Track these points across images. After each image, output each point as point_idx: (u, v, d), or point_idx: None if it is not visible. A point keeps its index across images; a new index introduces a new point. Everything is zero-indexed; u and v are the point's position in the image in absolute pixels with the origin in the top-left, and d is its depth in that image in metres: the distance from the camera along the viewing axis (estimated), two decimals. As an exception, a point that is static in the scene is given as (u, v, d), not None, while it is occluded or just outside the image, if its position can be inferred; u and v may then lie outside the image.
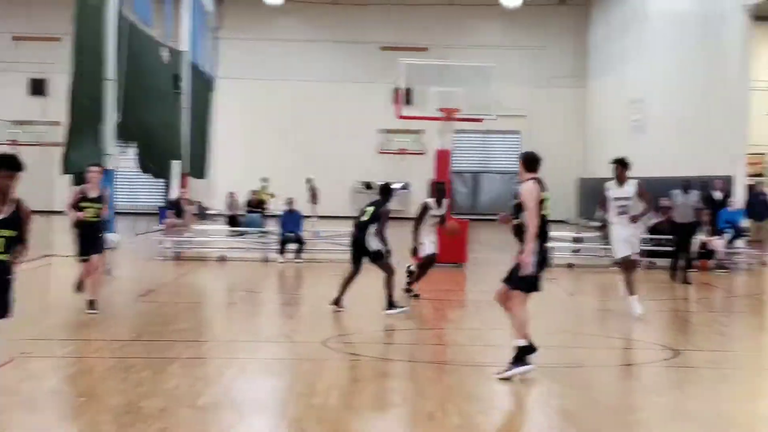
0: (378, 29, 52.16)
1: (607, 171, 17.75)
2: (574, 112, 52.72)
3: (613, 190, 16.73)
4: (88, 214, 15.85)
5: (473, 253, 26.83)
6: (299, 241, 26.59)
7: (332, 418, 9.46)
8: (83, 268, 15.99)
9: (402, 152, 50.49)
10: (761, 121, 35.47)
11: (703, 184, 29.15)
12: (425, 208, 18.54)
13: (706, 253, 26.34)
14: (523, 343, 10.94)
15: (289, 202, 27.46)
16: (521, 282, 11.04)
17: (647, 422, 9.89)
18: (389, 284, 16.49)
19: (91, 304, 15.65)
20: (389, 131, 49.74)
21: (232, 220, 34.49)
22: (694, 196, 22.36)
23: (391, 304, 16.37)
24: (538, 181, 11.21)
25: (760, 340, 16.65)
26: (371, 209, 16.64)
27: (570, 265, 26.26)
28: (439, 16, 51.84)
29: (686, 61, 36.41)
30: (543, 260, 11.19)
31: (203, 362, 12.64)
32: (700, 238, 26.70)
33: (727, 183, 30.11)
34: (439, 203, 18.74)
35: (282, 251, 26.41)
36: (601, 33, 50.26)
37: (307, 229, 28.48)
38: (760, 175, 38.91)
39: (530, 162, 11.40)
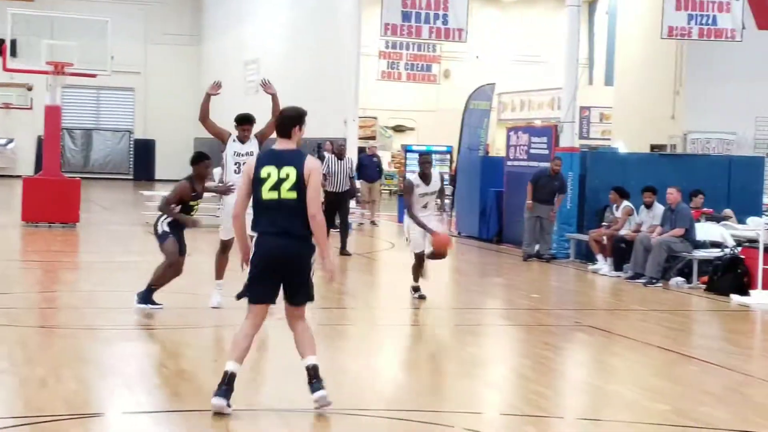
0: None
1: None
2: (189, 70, 52.08)
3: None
4: None
5: (85, 213, 25.29)
6: None
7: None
8: None
9: (7, 107, 47.70)
10: (371, 86, 36.70)
11: (320, 145, 29.85)
12: (409, 187, 14.34)
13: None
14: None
15: None
16: None
17: (265, 377, 10.02)
18: None
19: None
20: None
21: None
22: (348, 163, 22.57)
23: None
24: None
25: (370, 296, 17.16)
26: None
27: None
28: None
29: (301, 24, 37.02)
30: None
31: None
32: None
33: (341, 145, 30.91)
34: (425, 179, 14.33)
35: None
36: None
37: None
38: (372, 138, 40.38)
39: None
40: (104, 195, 31.70)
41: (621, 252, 18.59)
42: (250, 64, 42.84)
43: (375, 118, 43.36)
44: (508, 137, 25.86)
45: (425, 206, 14.12)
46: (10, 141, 49.40)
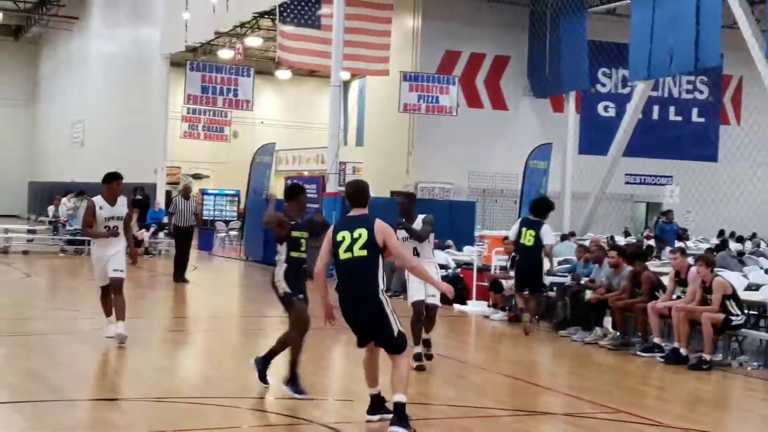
0: None
1: (53, 176, 16.86)
2: (26, 127, 50.28)
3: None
4: None
5: None
6: None
7: None
8: None
9: None
10: (176, 143, 36.16)
11: (137, 189, 29.25)
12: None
13: (136, 242, 26.32)
14: None
15: None
16: None
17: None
18: None
19: None
20: None
21: None
22: (193, 203, 21.24)
23: None
24: None
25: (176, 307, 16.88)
26: None
27: (25, 252, 25.01)
28: None
29: (120, 91, 36.28)
30: None
31: None
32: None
33: (149, 189, 30.45)
34: (409, 222, 10.21)
35: None
36: (49, 64, 48.51)
37: None
38: (176, 183, 39.85)
39: None
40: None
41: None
42: (76, 124, 41.67)
43: (179, 167, 42.78)
44: (286, 185, 26.08)
45: (415, 252, 9.92)
46: None
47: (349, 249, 6.87)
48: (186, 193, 21.79)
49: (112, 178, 10.67)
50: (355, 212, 7.16)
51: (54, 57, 47.75)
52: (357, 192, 7.26)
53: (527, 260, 13.71)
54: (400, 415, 6.90)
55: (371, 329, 7.08)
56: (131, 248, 11.32)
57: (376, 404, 7.35)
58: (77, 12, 42.15)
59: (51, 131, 47.09)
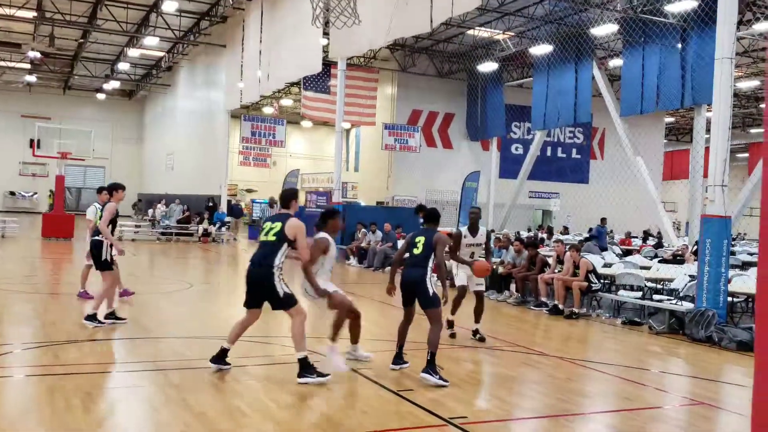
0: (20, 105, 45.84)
1: (153, 189, 16.63)
2: (136, 157, 49.85)
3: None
4: None
5: (76, 231, 22.73)
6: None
7: None
8: None
9: (33, 175, 44.44)
10: (235, 169, 36.05)
11: (209, 198, 29.16)
12: (458, 236, 8.65)
13: (206, 233, 26.27)
14: None
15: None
16: None
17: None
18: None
19: None
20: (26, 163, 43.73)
21: None
22: (276, 210, 20.57)
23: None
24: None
25: (227, 272, 16.71)
26: None
27: (133, 240, 24.78)
28: (59, 98, 46.66)
29: (197, 134, 35.89)
30: None
31: None
32: (202, 226, 26.53)
33: (217, 198, 30.34)
34: (472, 231, 8.65)
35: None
36: (151, 114, 48.06)
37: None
38: (234, 194, 39.82)
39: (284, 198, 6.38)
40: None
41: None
42: (169, 155, 41.40)
43: (236, 185, 42.64)
44: (306, 196, 26.21)
45: (471, 256, 8.50)
46: (35, 193, 46.59)
47: (266, 234, 6.07)
48: (272, 203, 21.31)
49: (332, 213, 6.72)
50: (281, 211, 6.26)
51: (154, 110, 47.36)
52: (282, 197, 6.35)
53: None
54: (304, 367, 5.87)
55: (261, 291, 5.95)
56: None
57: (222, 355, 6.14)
58: (169, 81, 41.91)
59: (152, 160, 46.68)
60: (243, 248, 23.89)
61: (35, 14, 27.97)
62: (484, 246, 8.67)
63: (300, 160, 45.61)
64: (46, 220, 23.34)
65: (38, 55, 34.18)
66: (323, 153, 45.88)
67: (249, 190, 45.80)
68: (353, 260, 19.24)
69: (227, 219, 28.55)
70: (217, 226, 27.20)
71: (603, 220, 22.11)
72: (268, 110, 39.89)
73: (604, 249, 17.62)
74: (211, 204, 28.96)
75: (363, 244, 19.19)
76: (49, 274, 14.38)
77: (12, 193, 46.37)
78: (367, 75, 30.00)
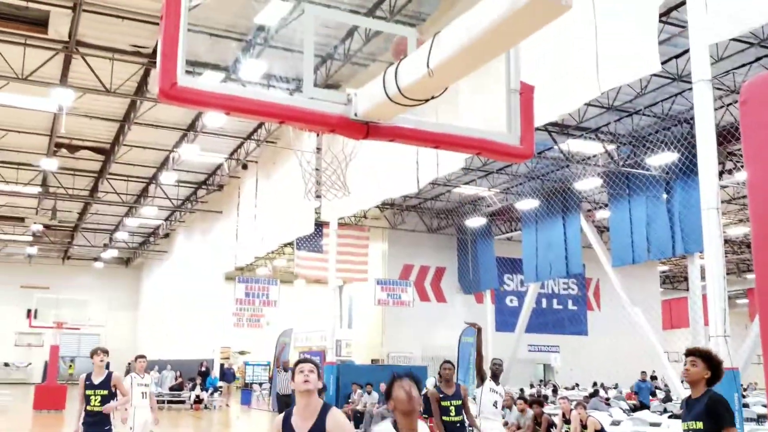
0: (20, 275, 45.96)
1: (148, 353, 16.05)
2: (130, 323, 49.29)
3: None
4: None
5: (68, 403, 22.14)
6: None
7: None
8: None
9: (29, 345, 44.06)
10: (229, 330, 35.47)
11: (202, 363, 28.37)
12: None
13: (198, 400, 25.28)
14: None
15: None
16: None
17: None
18: None
19: None
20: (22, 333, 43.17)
21: None
22: (289, 374, 19.81)
23: None
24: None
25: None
26: None
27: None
28: (58, 267, 46.89)
29: (191, 297, 35.57)
30: None
31: None
32: (194, 393, 25.55)
33: (210, 362, 29.50)
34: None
35: None
36: (147, 281, 47.92)
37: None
38: (227, 357, 38.68)
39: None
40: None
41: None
42: (162, 321, 40.87)
43: (229, 347, 41.71)
44: (299, 356, 25.31)
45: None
46: (29, 364, 45.55)
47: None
48: (285, 366, 20.01)
49: None
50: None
51: (150, 277, 47.41)
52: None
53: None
54: None
55: None
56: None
57: None
58: (166, 248, 42.42)
59: (147, 325, 46.14)
60: (236, 416, 22.81)
61: (40, 190, 28.79)
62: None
63: (292, 321, 45.10)
64: (39, 391, 22.79)
65: (41, 227, 34.80)
66: (316, 310, 45.45)
67: (242, 352, 44.78)
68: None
69: (219, 384, 27.63)
70: (210, 391, 26.25)
71: (643, 373, 21.00)
72: (261, 271, 40.03)
73: (646, 407, 16.80)
74: (203, 369, 28.21)
75: (359, 407, 18.38)
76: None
77: (6, 365, 45.37)
78: (359, 233, 30.50)
